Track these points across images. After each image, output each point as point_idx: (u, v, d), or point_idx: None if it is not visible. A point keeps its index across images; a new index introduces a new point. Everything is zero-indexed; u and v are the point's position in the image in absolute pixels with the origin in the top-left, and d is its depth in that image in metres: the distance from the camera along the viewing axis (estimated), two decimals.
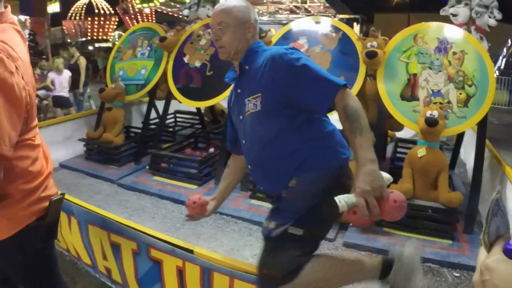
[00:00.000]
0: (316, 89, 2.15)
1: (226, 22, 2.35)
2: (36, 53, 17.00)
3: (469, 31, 5.77)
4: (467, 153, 6.75)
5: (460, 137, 6.15)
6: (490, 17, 5.88)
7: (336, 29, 5.62)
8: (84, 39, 26.05)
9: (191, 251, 2.61)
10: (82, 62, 10.76)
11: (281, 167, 2.28)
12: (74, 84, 10.58)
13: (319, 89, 2.15)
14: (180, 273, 2.72)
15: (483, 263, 0.86)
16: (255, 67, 2.31)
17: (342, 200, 1.96)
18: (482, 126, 4.83)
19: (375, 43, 5.07)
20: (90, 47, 26.47)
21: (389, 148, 6.79)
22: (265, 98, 2.23)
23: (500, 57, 17.24)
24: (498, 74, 15.93)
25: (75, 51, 11.04)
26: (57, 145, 6.78)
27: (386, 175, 2.08)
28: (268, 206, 5.05)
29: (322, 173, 2.21)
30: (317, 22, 5.87)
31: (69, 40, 24.60)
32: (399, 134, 6.55)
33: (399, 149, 6.59)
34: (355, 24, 18.52)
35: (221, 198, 2.82)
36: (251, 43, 2.40)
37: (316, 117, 2.28)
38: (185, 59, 6.50)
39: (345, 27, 5.68)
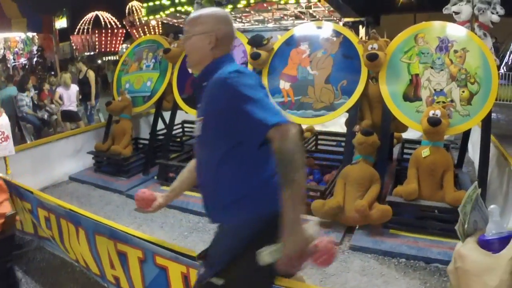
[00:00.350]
0: (248, 124, 1.96)
1: (188, 31, 2.27)
2: (45, 69, 17.17)
3: (473, 29, 5.78)
4: (475, 151, 6.72)
5: (466, 135, 6.13)
6: (493, 13, 5.89)
7: (337, 33, 5.65)
8: (92, 52, 26.25)
9: (194, 258, 2.64)
10: (91, 75, 10.89)
11: (216, 197, 2.21)
12: (86, 97, 10.72)
13: (250, 124, 1.95)
14: (186, 278, 2.76)
15: (456, 251, 0.90)
16: (207, 86, 2.19)
17: (265, 254, 1.90)
18: (486, 123, 4.83)
19: (376, 46, 5.09)
20: (99, 61, 26.70)
21: (396, 150, 6.79)
22: (205, 123, 2.18)
23: (508, 53, 17.11)
24: (506, 70, 15.82)
25: (82, 65, 11.16)
26: (67, 159, 6.88)
27: (312, 228, 2.05)
28: None
29: (253, 219, 2.08)
30: (319, 27, 5.90)
31: (76, 54, 24.81)
32: (405, 135, 6.55)
33: (405, 150, 6.59)
34: (360, 27, 18.51)
35: (173, 196, 2.73)
36: (216, 56, 2.25)
37: (258, 154, 2.11)
38: (190, 70, 6.55)
39: (345, 31, 5.71)
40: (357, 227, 4.63)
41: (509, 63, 16.83)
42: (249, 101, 1.96)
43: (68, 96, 9.89)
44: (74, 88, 10.14)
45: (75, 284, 4.09)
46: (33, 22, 15.53)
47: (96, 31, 25.45)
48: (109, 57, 26.98)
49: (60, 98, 9.86)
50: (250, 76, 2.12)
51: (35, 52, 18.93)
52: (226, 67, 2.16)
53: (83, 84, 10.69)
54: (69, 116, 9.92)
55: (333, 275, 3.90)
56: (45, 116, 9.96)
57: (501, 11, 5.88)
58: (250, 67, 5.99)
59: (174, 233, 4.82)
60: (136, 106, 7.03)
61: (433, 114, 4.52)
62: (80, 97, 10.58)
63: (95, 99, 10.91)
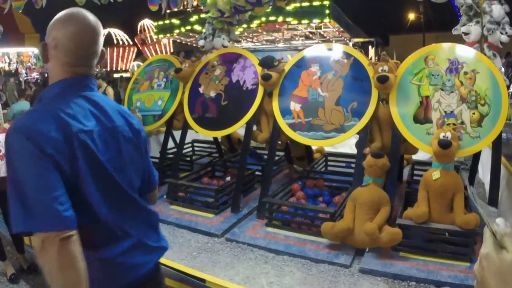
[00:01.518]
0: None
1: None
2: None
3: (482, 49, 5.78)
4: (485, 173, 6.69)
5: (476, 156, 6.11)
6: (502, 33, 5.89)
7: (347, 55, 5.68)
8: (104, 69, 26.53)
9: (203, 281, 2.64)
10: (110, 92, 11.08)
11: None
12: None
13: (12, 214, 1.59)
14: None
15: (482, 252, 0.94)
16: None
17: None
18: (497, 145, 4.80)
19: (386, 67, 5.10)
20: (115, 75, 26.87)
21: (406, 171, 6.76)
22: None
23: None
24: None
25: (102, 82, 11.33)
26: None
27: None
28: (284, 233, 5.08)
29: None
30: (329, 49, 5.93)
31: (97, 70, 25.02)
32: (415, 157, 6.53)
33: (415, 172, 6.56)
34: (370, 47, 18.58)
35: None
36: (57, 73, 1.95)
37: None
38: (200, 90, 6.60)
39: (355, 53, 5.73)
40: (367, 250, 4.60)
41: None
42: (16, 187, 1.59)
43: None
44: None
45: None
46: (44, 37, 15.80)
47: (108, 48, 25.71)
48: (121, 74, 27.19)
49: None
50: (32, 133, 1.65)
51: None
52: (38, 102, 1.86)
53: None
54: None
55: None
56: None
57: (510, 31, 5.87)
58: (260, 87, 6.03)
59: (183, 253, 4.81)
60: (147, 124, 7.06)
61: (443, 136, 4.51)
62: None
63: None
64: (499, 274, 0.84)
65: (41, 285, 4.28)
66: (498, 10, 5.78)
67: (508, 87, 4.98)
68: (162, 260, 2.93)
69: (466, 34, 6.06)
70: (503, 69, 6.00)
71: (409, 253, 4.48)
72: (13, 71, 19.37)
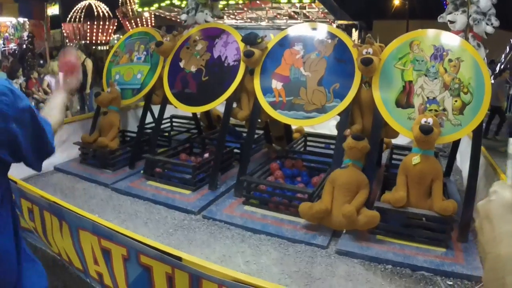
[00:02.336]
0: None
1: None
2: (34, 56, 16.99)
3: (467, 38, 5.77)
4: (463, 160, 6.73)
5: (456, 144, 6.14)
6: (487, 24, 5.88)
7: (332, 35, 5.62)
8: (83, 42, 26.04)
9: (179, 259, 2.59)
10: (89, 64, 10.90)
11: None
12: (81, 86, 10.71)
13: None
14: (170, 279, 2.71)
15: (492, 188, 0.96)
16: None
17: None
18: (477, 134, 4.81)
19: (370, 50, 5.06)
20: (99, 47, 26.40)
21: (385, 155, 6.77)
22: None
23: (499, 64, 17.24)
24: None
25: (81, 53, 11.12)
26: None
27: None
28: (262, 212, 5.05)
29: None
30: (314, 29, 5.86)
31: (75, 42, 24.52)
32: (395, 141, 6.54)
33: (394, 156, 6.58)
34: (353, 30, 18.54)
35: None
36: None
37: None
38: (181, 64, 6.49)
39: (341, 34, 5.67)
40: (344, 232, 4.61)
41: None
42: None
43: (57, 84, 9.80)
44: None
45: (57, 279, 4.02)
46: (24, 7, 15.37)
47: (88, 20, 25.24)
48: (103, 47, 26.73)
49: (49, 86, 9.75)
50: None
51: (26, 39, 18.73)
52: None
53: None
54: None
55: (319, 279, 3.86)
56: (32, 104, 9.84)
57: (495, 22, 5.87)
58: (242, 64, 5.95)
59: (159, 230, 4.76)
60: (125, 98, 6.94)
61: (425, 122, 4.50)
62: None
63: (90, 88, 10.96)
64: (505, 205, 0.88)
65: None
66: (485, 1, 5.77)
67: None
68: (138, 237, 2.88)
69: (451, 22, 6.05)
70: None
71: (386, 236, 4.51)
72: None
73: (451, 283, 3.85)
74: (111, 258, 3.10)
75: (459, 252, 4.27)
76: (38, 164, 1.94)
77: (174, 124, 8.98)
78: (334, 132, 5.71)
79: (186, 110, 6.56)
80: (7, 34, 19.51)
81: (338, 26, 16.50)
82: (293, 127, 7.43)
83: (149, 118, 7.36)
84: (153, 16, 23.54)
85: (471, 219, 4.58)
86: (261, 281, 2.43)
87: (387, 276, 3.95)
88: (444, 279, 3.90)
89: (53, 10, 22.23)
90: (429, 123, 4.48)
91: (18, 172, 5.38)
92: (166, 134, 8.04)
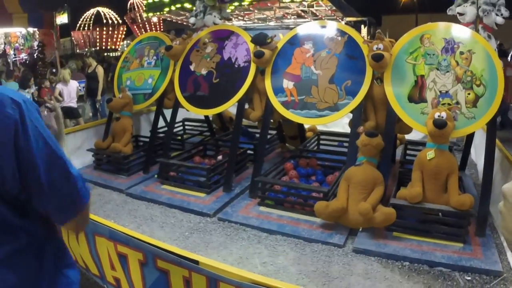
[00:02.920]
0: None
1: None
2: (45, 64, 17.11)
3: (477, 30, 5.72)
4: (478, 154, 6.67)
5: (470, 137, 6.08)
6: (497, 15, 5.83)
7: (342, 32, 5.59)
8: (93, 49, 26.21)
9: (196, 262, 2.59)
10: (100, 71, 10.97)
11: None
12: (92, 92, 10.82)
13: None
14: (187, 283, 2.70)
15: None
16: None
17: None
18: (491, 126, 4.75)
19: (381, 46, 5.02)
20: (109, 54, 26.57)
21: (399, 151, 6.73)
22: None
23: (510, 54, 17.08)
24: None
25: (92, 60, 11.19)
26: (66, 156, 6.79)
27: None
28: (277, 213, 5.04)
29: None
30: (323, 26, 5.84)
31: (85, 50, 24.68)
32: (409, 137, 6.50)
33: (408, 152, 6.54)
34: (362, 26, 18.46)
35: None
36: None
37: None
38: (192, 67, 6.50)
39: (351, 30, 5.65)
40: (360, 230, 4.58)
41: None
42: None
43: (68, 92, 9.87)
44: (74, 84, 10.12)
45: None
46: (34, 17, 15.46)
47: (97, 27, 25.41)
48: (114, 54, 26.90)
49: (60, 94, 9.81)
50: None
51: (36, 48, 18.85)
52: None
53: (91, 79, 10.81)
54: (69, 113, 9.88)
55: (336, 278, 3.84)
56: (45, 113, 9.88)
57: (505, 13, 5.82)
58: (253, 65, 5.95)
59: (175, 233, 4.76)
60: (137, 103, 6.97)
61: (438, 116, 4.46)
62: (82, 92, 10.63)
63: (101, 95, 11.02)
64: None
65: None
66: None
67: None
68: (154, 241, 2.88)
69: (461, 14, 6.01)
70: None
71: (403, 233, 4.46)
72: (0, 52, 19.11)
73: (469, 278, 3.81)
74: (127, 263, 3.10)
75: (477, 247, 4.22)
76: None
77: (186, 127, 9.00)
78: (347, 129, 5.68)
79: (198, 113, 6.57)
80: (17, 44, 19.65)
81: (347, 23, 16.43)
82: (306, 126, 7.41)
83: (161, 122, 7.38)
84: (161, 20, 23.62)
85: (488, 213, 4.54)
86: (278, 282, 2.42)
87: (405, 273, 3.92)
88: (462, 274, 3.86)
89: (62, 18, 22.39)
90: (442, 117, 4.44)
91: None
92: (179, 137, 8.06)
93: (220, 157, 6.49)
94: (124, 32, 26.77)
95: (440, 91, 4.83)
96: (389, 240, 4.38)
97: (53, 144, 1.58)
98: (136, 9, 24.66)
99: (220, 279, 2.51)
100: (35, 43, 19.00)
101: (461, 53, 4.86)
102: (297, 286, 2.46)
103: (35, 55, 18.72)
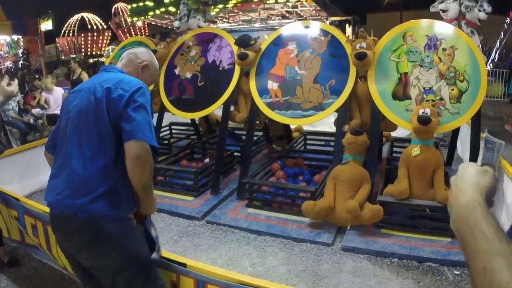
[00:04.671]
0: None
1: None
2: (30, 72, 17.00)
3: (460, 26, 5.76)
4: (464, 149, 6.72)
5: (455, 132, 6.12)
6: (480, 10, 5.87)
7: (325, 32, 5.62)
8: (78, 55, 26.07)
9: (184, 265, 2.58)
10: (85, 77, 10.86)
11: None
12: None
13: None
14: (175, 286, 2.70)
15: (460, 165, 1.22)
16: None
17: None
18: (476, 121, 4.80)
19: (364, 44, 5.05)
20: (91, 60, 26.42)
21: (385, 148, 6.77)
22: None
23: (494, 50, 17.22)
24: (492, 67, 15.91)
25: (77, 67, 11.11)
26: None
27: None
28: (266, 214, 5.05)
29: None
30: (306, 27, 5.86)
31: (71, 56, 24.51)
32: (395, 134, 6.53)
33: (395, 149, 6.57)
34: (347, 25, 18.53)
35: None
36: None
37: None
38: (176, 71, 6.49)
39: (333, 30, 5.67)
40: (348, 228, 4.60)
41: (495, 60, 16.94)
42: None
43: (54, 99, 9.80)
44: (59, 91, 10.06)
45: None
46: (18, 24, 15.39)
47: (82, 33, 25.26)
48: (97, 59, 26.76)
49: (46, 102, 9.76)
50: None
51: (21, 55, 18.73)
52: None
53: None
54: (55, 120, 9.79)
55: (326, 277, 3.86)
56: (31, 121, 9.83)
57: (488, 8, 5.86)
58: (237, 67, 5.95)
59: (164, 237, 4.75)
60: None
61: (422, 112, 4.49)
62: None
63: None
64: (466, 175, 1.15)
65: (23, 278, 4.19)
66: None
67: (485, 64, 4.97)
68: None
69: (444, 11, 6.04)
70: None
71: (391, 229, 4.50)
72: None
73: (458, 272, 3.84)
74: None
75: None
76: None
77: (173, 131, 8.99)
78: (333, 129, 5.70)
79: (185, 116, 6.56)
80: (1, 52, 19.52)
81: (331, 23, 16.50)
82: (292, 126, 7.43)
83: None
84: (146, 25, 23.54)
85: None
86: (266, 282, 2.43)
87: (394, 269, 3.94)
88: (451, 269, 3.89)
89: (46, 25, 22.26)
90: (426, 113, 4.47)
91: (22, 188, 5.41)
92: (166, 141, 8.03)
93: (207, 160, 6.49)
94: (110, 37, 26.64)
95: (424, 88, 4.87)
96: (377, 237, 4.41)
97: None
98: (121, 13, 24.55)
99: (208, 281, 2.51)
100: (20, 51, 18.88)
101: (444, 49, 4.90)
102: (283, 285, 2.46)
103: (20, 62, 18.60)
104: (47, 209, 3.67)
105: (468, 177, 1.13)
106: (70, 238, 2.37)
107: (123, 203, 2.35)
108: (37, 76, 13.89)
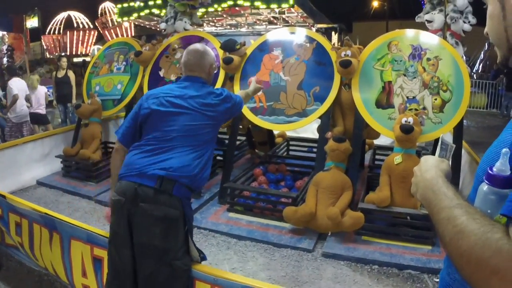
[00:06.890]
0: None
1: None
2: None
3: (445, 37, 5.82)
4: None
5: (437, 142, 6.15)
6: (465, 22, 5.95)
7: (310, 39, 5.64)
8: (63, 53, 25.88)
9: None
10: (72, 75, 10.78)
11: None
12: (65, 98, 10.67)
13: None
14: None
15: (422, 157, 1.44)
16: None
17: None
18: (458, 131, 4.84)
19: (349, 52, 5.08)
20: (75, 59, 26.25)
21: (368, 156, 6.80)
22: None
23: (478, 61, 17.42)
24: (476, 78, 16.09)
25: (64, 64, 10.99)
26: (35, 163, 6.71)
27: None
28: (247, 218, 5.04)
29: None
30: (292, 33, 5.88)
31: (56, 54, 24.32)
32: (378, 142, 6.56)
33: (377, 157, 6.60)
34: (333, 33, 18.62)
35: None
36: None
37: None
38: (161, 73, 6.47)
39: (319, 37, 5.69)
40: (329, 234, 4.61)
41: (479, 71, 17.13)
42: None
43: (37, 98, 9.68)
44: (42, 90, 9.94)
45: None
46: (3, 21, 15.26)
47: (68, 32, 25.12)
48: (83, 59, 26.60)
49: (28, 100, 9.65)
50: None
51: (5, 52, 18.56)
52: None
53: (64, 84, 10.63)
54: (36, 119, 9.70)
55: (306, 283, 3.86)
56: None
57: (473, 20, 5.94)
58: (222, 71, 5.94)
59: None
60: (106, 109, 6.90)
61: (405, 121, 4.52)
62: (51, 98, 10.47)
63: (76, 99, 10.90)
64: (427, 163, 1.37)
65: (0, 278, 4.15)
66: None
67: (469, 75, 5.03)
68: None
69: (429, 21, 6.11)
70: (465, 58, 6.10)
71: (372, 237, 4.51)
72: None
73: (438, 280, 3.85)
74: (102, 267, 3.10)
75: None
76: None
77: None
78: (317, 135, 5.71)
79: None
80: None
81: (318, 30, 16.56)
82: (275, 131, 7.43)
83: None
84: (133, 25, 23.46)
85: None
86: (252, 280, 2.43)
87: (374, 276, 3.96)
88: (431, 276, 3.92)
89: (32, 22, 22.10)
90: (409, 122, 4.50)
91: (1, 187, 5.34)
92: None
93: None
94: (95, 37, 26.51)
95: (407, 97, 4.90)
96: (358, 244, 4.42)
97: None
98: (108, 13, 24.46)
99: (196, 277, 2.55)
100: (4, 47, 18.72)
101: (428, 59, 4.94)
102: (273, 285, 2.47)
103: (4, 59, 18.43)
104: (35, 206, 3.67)
105: (430, 163, 1.36)
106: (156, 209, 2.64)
107: None
108: (20, 73, 13.75)
